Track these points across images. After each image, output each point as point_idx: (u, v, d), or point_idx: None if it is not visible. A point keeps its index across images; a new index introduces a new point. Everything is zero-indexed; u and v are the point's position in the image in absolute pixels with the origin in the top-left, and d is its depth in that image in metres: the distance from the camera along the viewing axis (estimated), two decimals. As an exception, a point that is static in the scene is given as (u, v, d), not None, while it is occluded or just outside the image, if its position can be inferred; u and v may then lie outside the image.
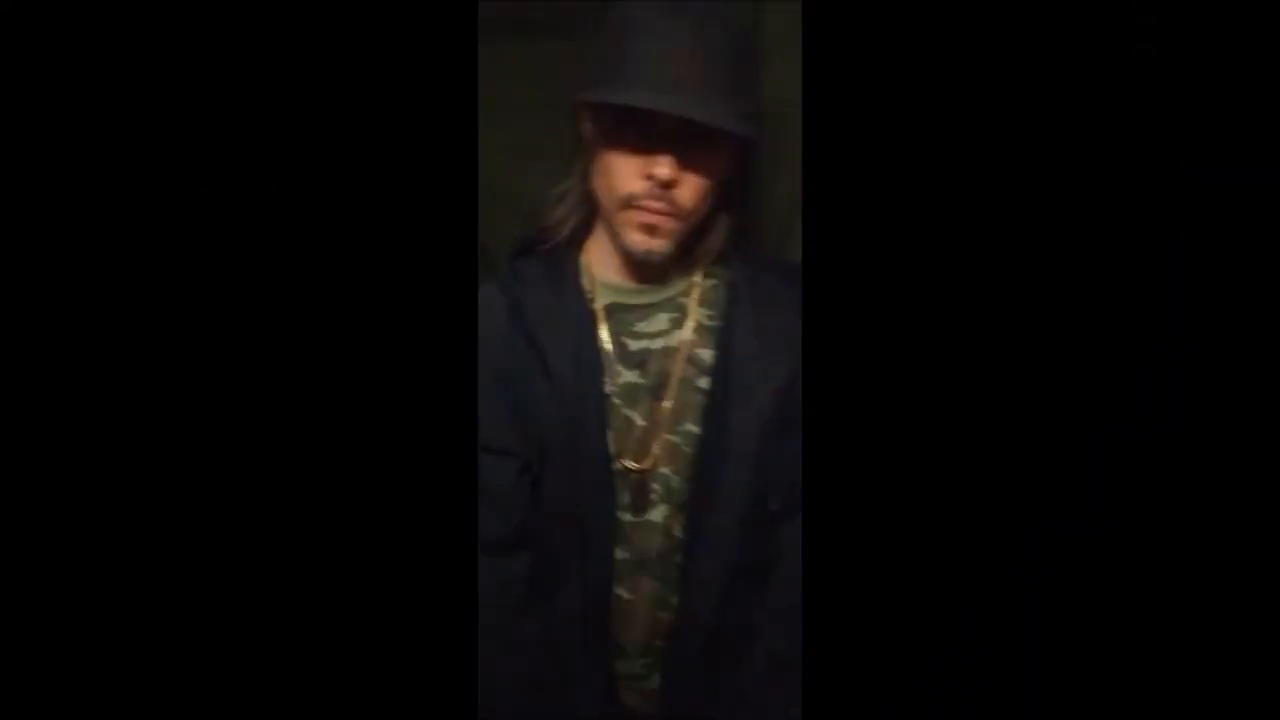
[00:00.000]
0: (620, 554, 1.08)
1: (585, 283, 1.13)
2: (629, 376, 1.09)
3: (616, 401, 1.08)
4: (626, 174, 1.04)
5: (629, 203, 1.05)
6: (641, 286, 1.12)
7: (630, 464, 1.07)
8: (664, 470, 1.08)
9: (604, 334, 1.11)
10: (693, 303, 1.11)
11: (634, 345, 1.10)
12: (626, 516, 1.08)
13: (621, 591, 1.08)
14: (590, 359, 1.09)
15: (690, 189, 1.05)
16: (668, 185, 1.03)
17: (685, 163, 1.03)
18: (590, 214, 1.13)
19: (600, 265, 1.13)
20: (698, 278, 1.12)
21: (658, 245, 1.06)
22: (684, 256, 1.11)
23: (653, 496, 1.08)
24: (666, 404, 1.08)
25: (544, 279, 1.13)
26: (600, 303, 1.12)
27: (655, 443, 1.08)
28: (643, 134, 1.03)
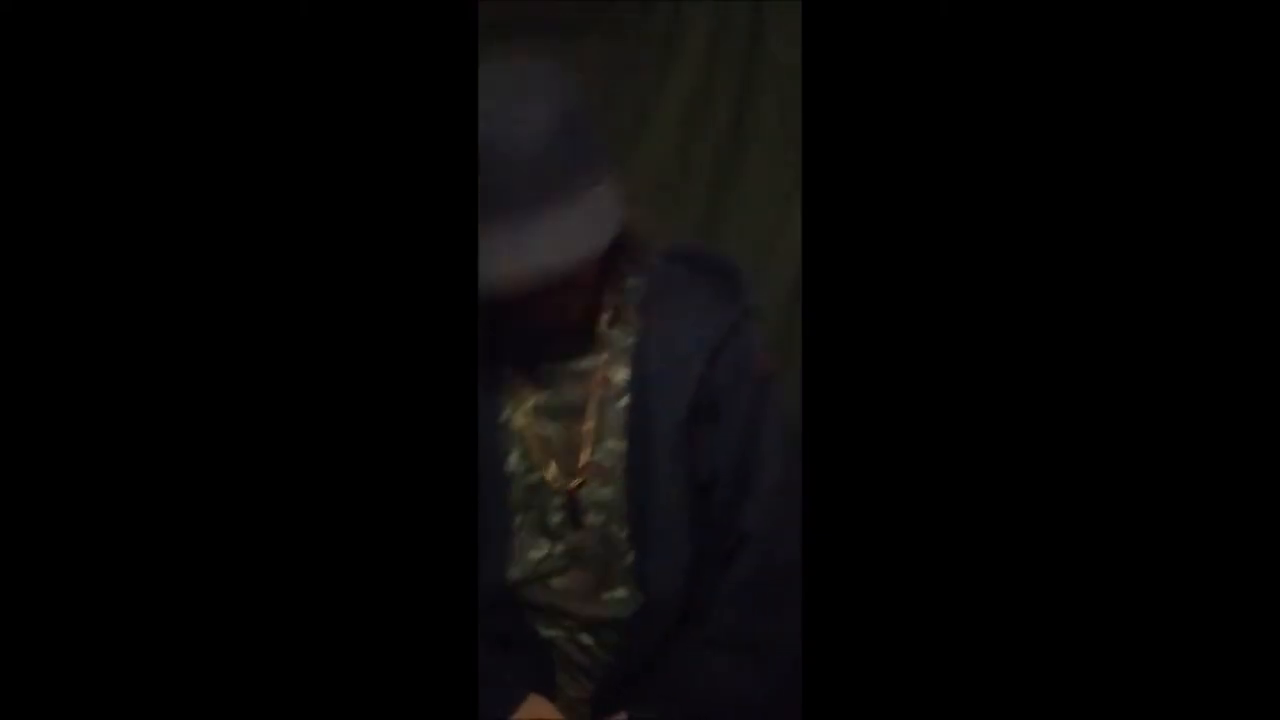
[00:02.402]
0: (553, 550, 1.11)
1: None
2: (538, 399, 1.11)
3: (522, 422, 1.11)
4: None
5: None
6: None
7: (554, 482, 1.09)
8: (596, 486, 1.10)
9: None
10: (603, 326, 1.11)
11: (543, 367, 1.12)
12: (564, 532, 1.11)
13: (555, 582, 1.11)
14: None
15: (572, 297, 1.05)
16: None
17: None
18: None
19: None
20: (609, 296, 1.11)
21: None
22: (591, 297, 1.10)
23: (589, 512, 1.10)
24: (588, 424, 1.10)
25: None
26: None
27: (581, 460, 1.10)
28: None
